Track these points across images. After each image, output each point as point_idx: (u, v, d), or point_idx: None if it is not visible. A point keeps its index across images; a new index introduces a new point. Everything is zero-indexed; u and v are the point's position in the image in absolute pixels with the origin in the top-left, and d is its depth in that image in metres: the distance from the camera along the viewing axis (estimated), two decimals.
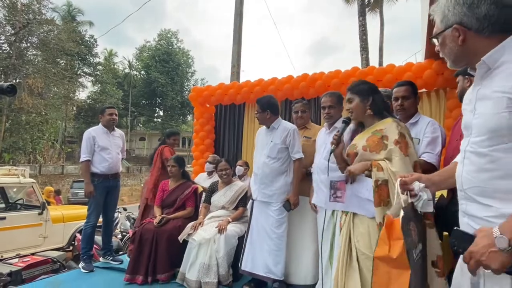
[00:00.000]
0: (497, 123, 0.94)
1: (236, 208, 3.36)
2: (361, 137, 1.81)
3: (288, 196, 2.81)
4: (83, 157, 3.59)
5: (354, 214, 1.72)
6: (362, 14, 9.88)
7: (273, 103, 2.95)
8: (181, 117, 39.04)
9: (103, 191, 3.63)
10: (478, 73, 1.02)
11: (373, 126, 1.80)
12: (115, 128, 3.89)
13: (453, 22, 1.02)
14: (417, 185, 1.16)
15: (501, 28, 0.96)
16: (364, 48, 9.28)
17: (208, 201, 3.45)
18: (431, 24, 2.95)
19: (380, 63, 13.50)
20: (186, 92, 37.86)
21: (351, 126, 2.01)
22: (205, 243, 2.95)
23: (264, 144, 2.95)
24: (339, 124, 2.64)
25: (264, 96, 3.04)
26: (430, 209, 1.18)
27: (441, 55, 1.13)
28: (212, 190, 3.47)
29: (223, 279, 2.92)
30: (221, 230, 3.02)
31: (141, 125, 40.52)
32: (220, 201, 3.36)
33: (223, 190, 3.41)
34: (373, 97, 1.81)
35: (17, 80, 18.59)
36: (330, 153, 1.96)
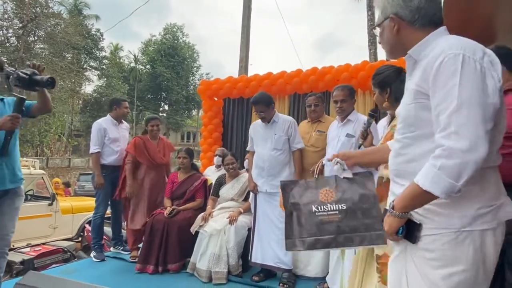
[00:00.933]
0: (406, 113, 1.11)
1: (245, 199, 3.39)
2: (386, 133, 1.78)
3: None
4: (94, 148, 3.61)
5: None
6: (370, 8, 9.77)
7: (270, 97, 3.05)
8: (186, 111, 39.08)
9: (111, 183, 3.67)
10: (408, 66, 1.13)
11: (394, 120, 1.74)
12: (123, 120, 3.92)
13: (390, 13, 1.13)
14: (334, 159, 1.49)
15: (430, 20, 1.08)
16: (372, 42, 9.19)
17: (216, 193, 3.48)
18: (444, 17, 2.93)
19: (388, 58, 13.39)
20: (191, 86, 37.87)
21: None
22: (216, 234, 2.98)
23: (266, 137, 3.00)
24: (353, 116, 2.66)
25: (259, 94, 3.03)
26: (348, 175, 1.44)
27: (381, 47, 1.23)
28: (219, 183, 3.50)
29: (233, 269, 2.96)
30: (232, 221, 3.05)
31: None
32: (229, 193, 3.38)
33: (230, 183, 3.43)
34: (391, 88, 1.75)
35: None
36: (359, 147, 1.95)
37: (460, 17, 2.92)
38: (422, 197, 1.01)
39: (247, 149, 3.24)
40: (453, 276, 1.01)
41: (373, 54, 9.43)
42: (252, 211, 3.10)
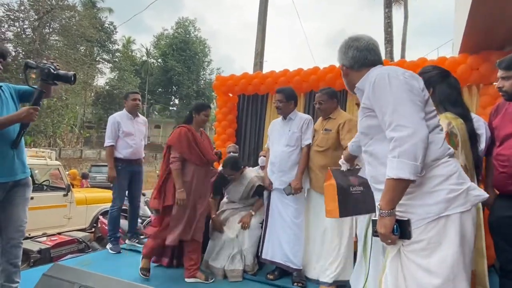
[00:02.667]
0: (361, 126, 1.47)
1: (253, 197, 3.25)
2: None
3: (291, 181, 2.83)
4: (107, 142, 3.62)
5: None
6: (388, 6, 9.57)
7: (295, 94, 3.04)
8: None
9: (126, 176, 3.66)
10: (359, 95, 1.51)
11: None
12: (139, 114, 3.89)
13: (340, 63, 1.58)
14: (340, 160, 2.16)
15: (363, 63, 1.49)
16: (389, 40, 9.01)
17: (218, 193, 3.29)
18: (471, 17, 2.86)
19: (402, 57, 13.21)
20: (202, 81, 37.96)
21: None
22: (229, 240, 2.99)
23: (281, 134, 2.99)
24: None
25: (286, 87, 3.08)
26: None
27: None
28: (224, 181, 3.28)
29: (249, 269, 2.97)
30: (244, 227, 3.04)
31: (156, 113, 40.96)
32: (235, 196, 3.28)
33: (234, 184, 3.26)
34: (434, 88, 1.70)
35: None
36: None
37: (488, 19, 2.85)
38: (398, 187, 1.21)
39: (266, 145, 3.22)
40: (444, 259, 1.17)
41: (389, 52, 9.28)
42: (265, 207, 3.09)
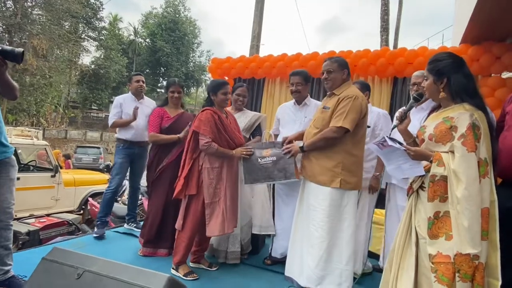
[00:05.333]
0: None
1: (252, 136, 3.08)
2: (433, 120, 1.72)
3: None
4: (110, 122, 3.60)
5: (418, 198, 1.67)
6: None
7: (310, 77, 2.98)
8: (185, 89, 38.57)
9: (127, 158, 3.58)
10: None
11: (446, 110, 1.68)
12: (145, 97, 3.80)
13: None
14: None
15: None
16: (384, 28, 8.94)
17: None
18: (478, 7, 2.83)
19: (395, 46, 13.19)
20: (191, 63, 37.21)
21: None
22: None
23: (295, 119, 2.92)
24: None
25: (301, 69, 3.00)
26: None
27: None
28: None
29: (245, 247, 2.98)
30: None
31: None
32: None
33: (235, 115, 3.01)
34: (449, 77, 1.65)
35: (22, 40, 18.17)
36: (392, 129, 1.90)
37: (495, 10, 2.83)
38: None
39: (270, 131, 3.12)
40: None
41: (385, 40, 9.24)
42: (270, 196, 3.06)
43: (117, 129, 3.67)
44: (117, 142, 3.62)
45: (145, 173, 3.50)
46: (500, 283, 1.51)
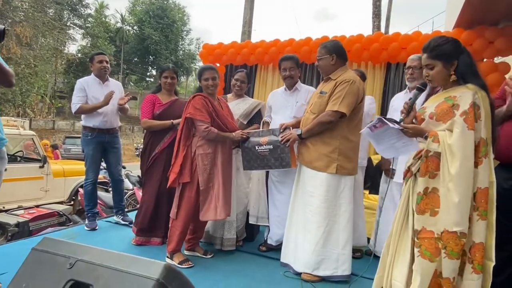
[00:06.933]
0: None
1: (251, 123, 3.03)
2: (433, 101, 1.70)
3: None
4: (74, 107, 3.26)
5: (415, 182, 1.65)
6: None
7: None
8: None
9: (99, 147, 3.34)
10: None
11: (448, 90, 1.66)
12: (109, 78, 3.49)
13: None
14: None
15: None
16: (376, 14, 8.87)
17: None
18: None
19: (387, 33, 13.15)
20: (181, 52, 36.58)
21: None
22: None
23: (286, 105, 2.87)
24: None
25: (291, 54, 3.01)
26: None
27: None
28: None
29: (240, 233, 2.96)
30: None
31: (132, 84, 39.38)
32: (236, 112, 2.96)
33: (234, 101, 3.02)
34: (459, 60, 1.61)
35: (5, 28, 17.48)
36: (399, 123, 1.86)
37: None
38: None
39: (263, 120, 3.06)
40: None
41: (377, 27, 9.19)
42: (265, 182, 3.03)
43: (82, 116, 3.36)
44: (84, 131, 3.32)
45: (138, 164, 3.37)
46: (493, 263, 1.52)
